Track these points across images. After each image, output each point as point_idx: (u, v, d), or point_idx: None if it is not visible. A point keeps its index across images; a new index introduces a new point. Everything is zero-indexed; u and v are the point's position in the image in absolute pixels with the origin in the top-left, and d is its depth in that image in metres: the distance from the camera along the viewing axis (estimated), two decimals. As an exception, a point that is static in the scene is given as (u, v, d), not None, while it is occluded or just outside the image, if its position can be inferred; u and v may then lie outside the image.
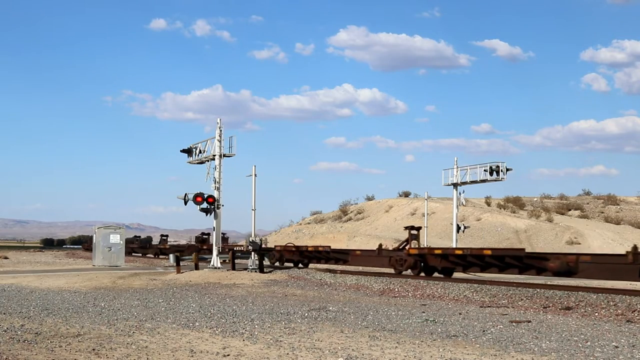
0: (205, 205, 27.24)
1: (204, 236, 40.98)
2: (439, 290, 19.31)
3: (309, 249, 31.25)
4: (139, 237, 65.68)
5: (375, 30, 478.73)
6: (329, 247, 30.86)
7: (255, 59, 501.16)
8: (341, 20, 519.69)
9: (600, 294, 16.66)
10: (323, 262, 31.32)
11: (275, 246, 32.97)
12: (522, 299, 16.89)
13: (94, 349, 8.90)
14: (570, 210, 70.95)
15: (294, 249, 31.77)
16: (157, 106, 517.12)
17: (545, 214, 63.90)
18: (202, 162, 29.49)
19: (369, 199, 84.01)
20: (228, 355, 8.63)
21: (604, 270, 18.25)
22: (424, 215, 41.65)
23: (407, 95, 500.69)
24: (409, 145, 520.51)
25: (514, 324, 12.09)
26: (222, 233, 43.71)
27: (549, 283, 20.93)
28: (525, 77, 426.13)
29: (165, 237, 53.04)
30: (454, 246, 33.67)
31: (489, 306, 15.75)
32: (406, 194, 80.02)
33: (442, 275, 24.10)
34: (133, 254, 56.59)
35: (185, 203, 27.29)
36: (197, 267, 27.96)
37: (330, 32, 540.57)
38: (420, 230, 27.98)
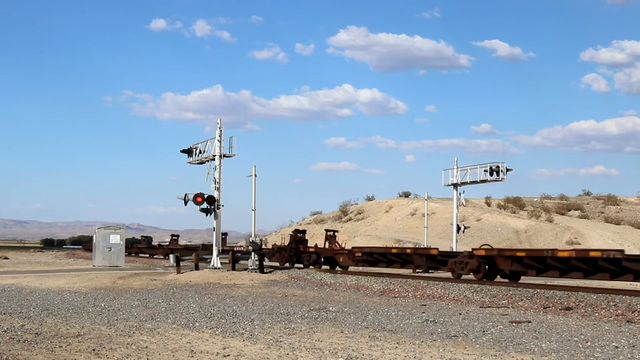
0: (205, 205, 27.26)
1: (299, 234, 32.05)
2: (439, 290, 19.31)
3: (563, 253, 18.99)
4: (177, 236, 53.70)
5: (375, 30, 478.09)
6: (621, 251, 17.86)
7: (255, 59, 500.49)
8: (341, 21, 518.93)
9: (600, 294, 16.66)
10: (588, 277, 18.96)
11: (474, 249, 22.45)
12: (522, 299, 16.89)
13: (94, 349, 8.90)
14: (570, 210, 70.96)
15: (522, 254, 20.28)
16: (157, 106, 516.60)
17: (546, 214, 63.91)
18: (202, 162, 29.52)
19: (369, 199, 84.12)
20: (228, 355, 8.64)
21: None
22: (424, 216, 41.65)
23: (407, 96, 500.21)
24: (409, 145, 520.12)
25: (514, 324, 12.09)
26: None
27: (549, 283, 20.92)
28: (525, 78, 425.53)
29: (224, 236, 41.91)
30: (454, 247, 33.61)
31: (489, 306, 15.75)
32: (406, 194, 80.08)
33: None
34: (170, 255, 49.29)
35: (186, 203, 27.32)
36: (197, 268, 27.97)
37: (330, 32, 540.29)
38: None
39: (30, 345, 9.20)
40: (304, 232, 32.44)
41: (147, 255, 53.96)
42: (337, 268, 28.48)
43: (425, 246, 38.25)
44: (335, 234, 32.13)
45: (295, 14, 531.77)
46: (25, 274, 26.29)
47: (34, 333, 10.27)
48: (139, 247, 59.40)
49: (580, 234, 54.15)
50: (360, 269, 28.69)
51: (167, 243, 54.45)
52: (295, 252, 31.01)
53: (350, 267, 28.55)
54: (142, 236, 63.29)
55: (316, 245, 31.18)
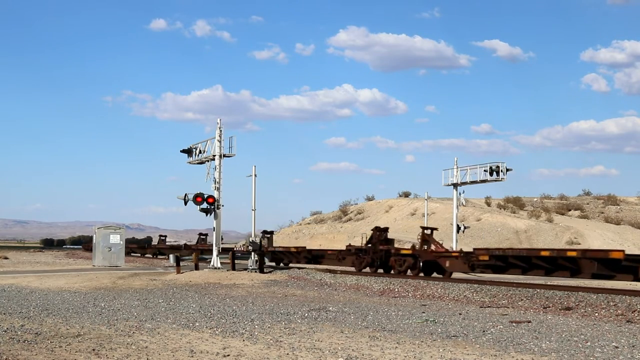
0: (205, 205, 27.27)
1: (382, 232, 27.18)
2: (439, 290, 19.30)
3: None
4: (205, 235, 46.16)
5: (375, 30, 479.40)
6: None
7: (255, 59, 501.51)
8: (341, 21, 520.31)
9: (600, 294, 16.66)
10: None
11: None
12: (522, 299, 16.89)
13: (94, 349, 8.90)
14: (570, 210, 70.96)
15: None
16: (157, 106, 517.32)
17: (545, 214, 63.89)
18: (202, 162, 29.51)
19: (369, 199, 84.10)
20: (228, 355, 8.63)
21: None
22: (424, 216, 41.62)
23: (407, 96, 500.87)
24: (409, 145, 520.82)
25: (514, 324, 12.09)
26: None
27: (549, 283, 20.92)
28: (525, 78, 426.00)
29: (270, 234, 35.09)
30: (454, 247, 33.58)
31: (489, 306, 15.75)
32: (406, 194, 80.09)
33: None
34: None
35: (185, 203, 27.32)
36: (197, 268, 27.96)
37: (330, 33, 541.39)
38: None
39: (30, 345, 9.19)
40: (386, 229, 27.37)
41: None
42: (434, 273, 24.11)
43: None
44: (434, 231, 26.27)
45: (295, 14, 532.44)
46: (25, 274, 26.28)
47: (34, 333, 10.26)
48: (158, 247, 52.60)
49: (580, 234, 54.13)
50: (474, 276, 24.13)
51: (195, 243, 47.78)
52: (382, 254, 25.94)
53: (453, 273, 23.70)
54: (160, 235, 55.18)
55: (413, 246, 26.25)
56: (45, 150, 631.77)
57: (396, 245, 29.43)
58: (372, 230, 27.80)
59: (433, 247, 25.61)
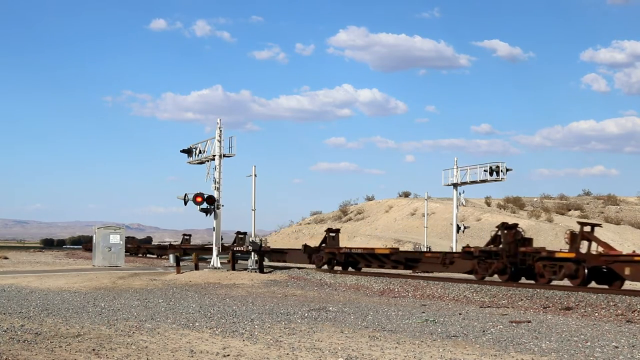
0: (205, 205, 27.27)
1: (514, 230, 21.36)
2: (439, 290, 19.31)
3: None
4: (244, 234, 37.60)
5: (375, 30, 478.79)
6: None
7: (255, 59, 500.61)
8: (341, 21, 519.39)
9: (600, 294, 16.67)
10: None
11: None
12: (522, 299, 16.89)
13: (94, 349, 8.90)
14: (570, 210, 71.01)
15: None
16: (157, 106, 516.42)
17: (545, 214, 63.93)
18: (202, 162, 29.53)
19: (369, 199, 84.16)
20: (228, 355, 8.64)
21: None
22: (424, 216, 41.63)
23: (407, 96, 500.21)
24: (409, 145, 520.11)
25: (514, 324, 12.09)
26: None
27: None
28: (526, 78, 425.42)
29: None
30: (454, 247, 33.60)
31: (489, 306, 15.75)
32: (406, 194, 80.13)
33: None
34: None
35: (185, 203, 27.33)
36: (197, 268, 27.96)
37: (330, 33, 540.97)
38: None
39: (30, 345, 9.19)
40: (516, 226, 21.70)
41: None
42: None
43: (426, 246, 37.88)
44: (595, 228, 19.99)
45: (295, 14, 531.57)
46: (25, 274, 26.28)
47: (34, 333, 10.26)
48: (183, 247, 45.48)
49: (580, 234, 54.10)
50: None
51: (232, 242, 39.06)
52: (523, 258, 20.48)
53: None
54: (184, 235, 49.30)
55: (576, 248, 19.48)
56: (45, 150, 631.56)
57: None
58: (497, 227, 22.16)
59: (599, 249, 19.51)
